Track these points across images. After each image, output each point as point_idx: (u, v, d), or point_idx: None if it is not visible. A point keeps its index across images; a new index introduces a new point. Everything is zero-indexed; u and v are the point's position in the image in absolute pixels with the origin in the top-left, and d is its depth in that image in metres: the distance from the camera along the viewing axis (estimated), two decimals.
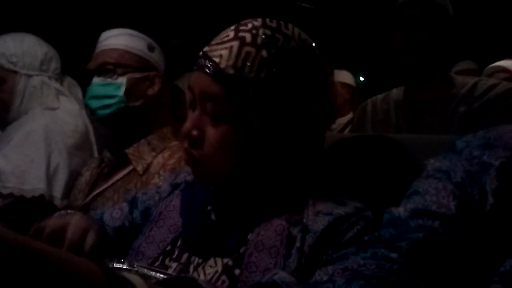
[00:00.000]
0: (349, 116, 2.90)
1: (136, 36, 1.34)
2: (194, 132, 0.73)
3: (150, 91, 1.33)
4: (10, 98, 1.46)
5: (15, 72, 1.46)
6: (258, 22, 0.74)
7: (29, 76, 1.48)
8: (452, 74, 1.47)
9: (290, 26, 0.76)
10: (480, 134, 0.71)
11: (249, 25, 0.73)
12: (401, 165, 0.94)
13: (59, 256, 0.43)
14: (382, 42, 1.44)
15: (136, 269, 0.72)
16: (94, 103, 1.31)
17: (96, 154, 1.52)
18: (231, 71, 0.70)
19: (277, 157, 0.74)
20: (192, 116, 0.74)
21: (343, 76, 3.02)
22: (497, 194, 0.61)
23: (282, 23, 0.75)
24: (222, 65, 0.70)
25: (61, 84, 1.56)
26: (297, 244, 0.69)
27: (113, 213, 0.93)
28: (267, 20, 0.74)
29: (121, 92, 1.29)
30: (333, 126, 3.01)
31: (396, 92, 1.53)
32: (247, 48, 0.70)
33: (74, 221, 0.81)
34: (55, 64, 1.54)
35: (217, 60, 0.71)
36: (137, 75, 1.31)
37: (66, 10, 2.67)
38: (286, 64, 0.71)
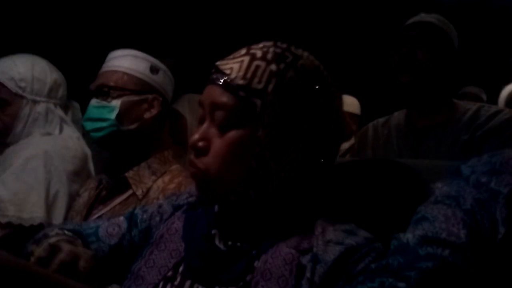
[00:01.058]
0: (351, 142, 2.91)
1: (139, 58, 1.34)
2: (201, 143, 0.75)
3: (147, 115, 1.32)
4: (13, 122, 1.44)
5: (22, 97, 1.44)
6: (269, 43, 0.78)
7: (35, 102, 1.46)
8: (453, 99, 1.47)
9: (299, 48, 0.79)
10: (484, 159, 0.71)
11: (261, 44, 0.78)
12: (404, 189, 0.93)
13: (58, 281, 0.41)
14: (383, 66, 1.46)
15: None
16: (88, 125, 1.32)
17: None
18: (240, 82, 0.73)
19: (282, 172, 0.74)
20: (200, 128, 0.76)
21: (353, 106, 3.07)
22: (507, 223, 0.60)
23: (292, 45, 0.78)
24: (232, 76, 0.73)
25: (66, 111, 1.55)
26: (307, 274, 0.68)
27: (109, 229, 0.89)
28: (278, 42, 0.78)
29: (113, 115, 1.28)
30: None
31: (397, 116, 1.52)
32: (257, 62, 0.74)
33: (86, 257, 0.75)
34: (62, 92, 1.53)
35: (227, 71, 0.74)
36: (134, 98, 1.30)
37: (70, 27, 2.69)
38: (294, 79, 0.74)
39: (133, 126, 1.31)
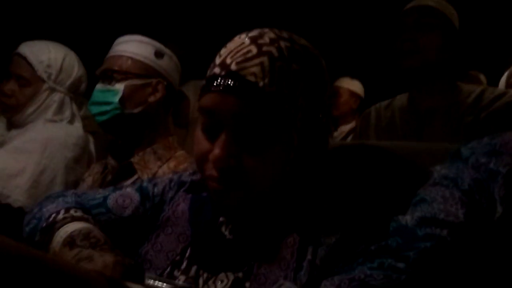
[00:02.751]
0: (352, 124, 2.91)
1: (144, 42, 1.35)
2: (231, 161, 0.68)
3: (152, 98, 1.33)
4: (27, 102, 1.48)
5: (44, 82, 1.48)
6: (271, 34, 0.71)
7: (54, 90, 1.50)
8: (458, 82, 1.47)
9: (293, 35, 0.74)
10: (485, 140, 0.71)
11: (266, 38, 0.70)
12: (406, 172, 0.93)
13: (62, 264, 0.42)
14: (385, 51, 1.46)
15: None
16: (94, 109, 1.34)
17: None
18: (271, 89, 0.66)
19: (308, 169, 0.74)
20: (222, 143, 0.68)
21: (354, 85, 3.06)
22: (506, 202, 0.61)
23: (290, 33, 0.74)
24: (261, 84, 0.66)
25: (80, 107, 1.58)
26: (309, 256, 0.69)
27: (120, 200, 0.85)
28: (275, 30, 0.72)
29: (116, 99, 1.30)
30: (335, 134, 3.02)
31: (400, 99, 1.52)
32: (278, 63, 0.67)
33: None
34: (82, 88, 1.58)
35: (252, 79, 0.66)
36: (137, 81, 1.32)
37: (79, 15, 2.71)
38: (312, 74, 0.71)
39: (137, 110, 1.32)
